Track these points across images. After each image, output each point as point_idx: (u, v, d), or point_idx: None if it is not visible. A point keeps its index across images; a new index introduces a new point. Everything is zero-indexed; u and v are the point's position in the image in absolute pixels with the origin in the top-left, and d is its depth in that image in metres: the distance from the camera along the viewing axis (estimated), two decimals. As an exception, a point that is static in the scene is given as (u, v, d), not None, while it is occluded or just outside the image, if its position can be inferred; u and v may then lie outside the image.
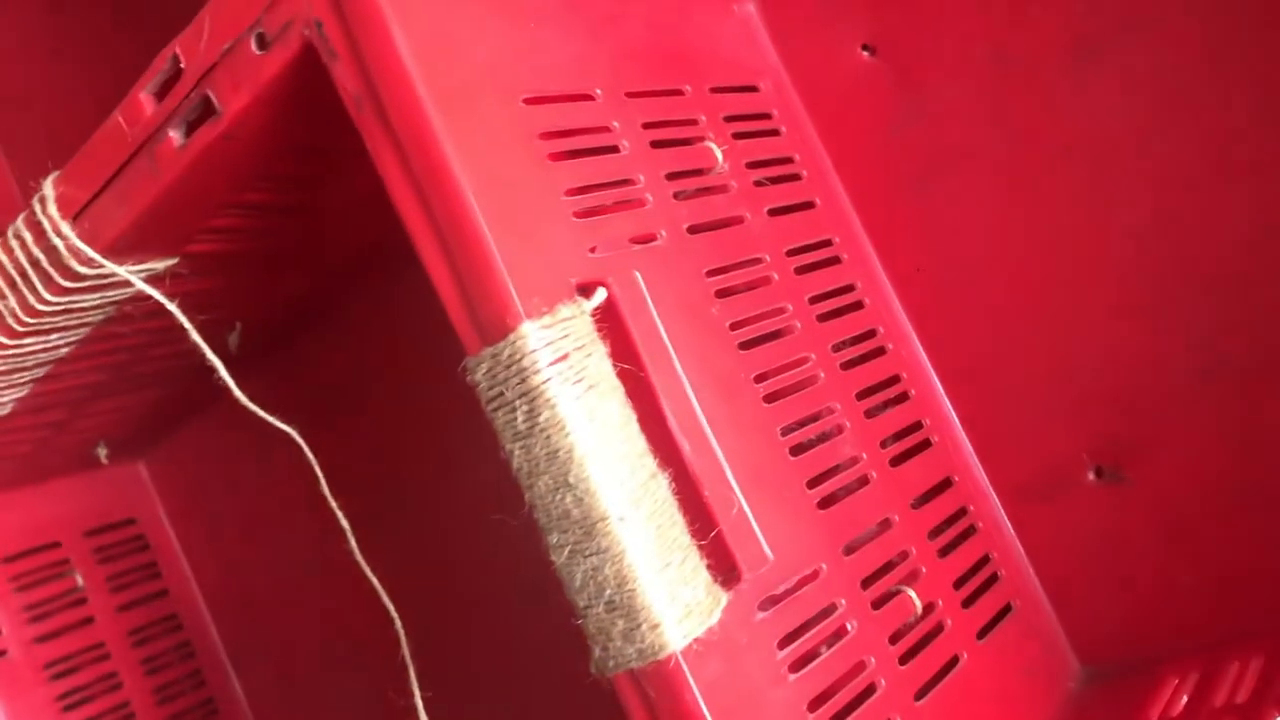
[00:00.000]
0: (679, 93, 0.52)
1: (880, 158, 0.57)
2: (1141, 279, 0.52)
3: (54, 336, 0.58)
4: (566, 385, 0.39)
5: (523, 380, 0.40)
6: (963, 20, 0.54)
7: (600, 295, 0.42)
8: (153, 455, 0.92)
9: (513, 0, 0.46)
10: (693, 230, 0.49)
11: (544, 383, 0.39)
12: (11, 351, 0.57)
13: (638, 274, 0.45)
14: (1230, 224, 0.50)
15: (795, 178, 0.57)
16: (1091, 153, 0.52)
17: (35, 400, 0.66)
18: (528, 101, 0.44)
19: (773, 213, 0.54)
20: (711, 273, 0.49)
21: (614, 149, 0.47)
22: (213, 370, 0.53)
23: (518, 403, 0.40)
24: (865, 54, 0.57)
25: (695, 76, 0.54)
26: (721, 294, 0.49)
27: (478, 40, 0.44)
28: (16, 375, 0.61)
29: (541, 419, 0.39)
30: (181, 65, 0.46)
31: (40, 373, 0.62)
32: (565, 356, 0.40)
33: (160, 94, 0.48)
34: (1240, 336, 0.50)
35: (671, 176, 0.49)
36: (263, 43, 0.44)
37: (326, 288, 0.74)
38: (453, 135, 0.40)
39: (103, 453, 0.82)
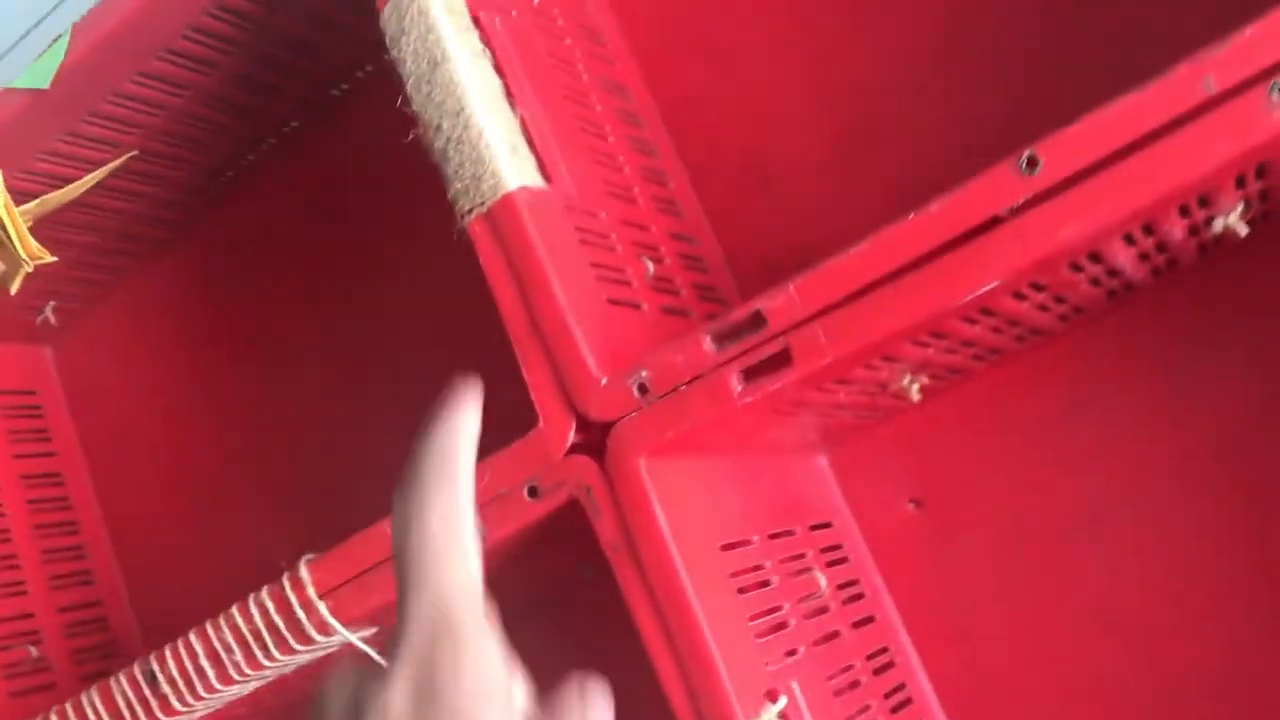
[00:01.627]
0: (792, 532, 0.70)
1: (922, 588, 0.75)
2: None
3: (253, 684, 0.69)
4: (772, 779, 0.54)
5: (741, 770, 0.54)
6: (990, 487, 0.73)
7: (783, 702, 0.58)
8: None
9: (713, 469, 0.63)
10: (814, 644, 0.65)
11: (758, 775, 0.54)
12: (216, 698, 0.69)
13: (794, 684, 0.60)
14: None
15: (860, 597, 0.74)
16: (1094, 596, 0.70)
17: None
18: (723, 548, 0.61)
19: (854, 625, 0.71)
20: (830, 676, 0.65)
21: (767, 583, 0.64)
22: None
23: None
24: (912, 506, 0.75)
25: (799, 517, 0.71)
26: (837, 694, 0.64)
27: (698, 502, 0.60)
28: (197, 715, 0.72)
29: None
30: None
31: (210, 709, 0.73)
32: (770, 757, 0.55)
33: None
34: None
35: (800, 600, 0.66)
36: (534, 493, 0.60)
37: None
38: (692, 581, 0.56)
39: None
